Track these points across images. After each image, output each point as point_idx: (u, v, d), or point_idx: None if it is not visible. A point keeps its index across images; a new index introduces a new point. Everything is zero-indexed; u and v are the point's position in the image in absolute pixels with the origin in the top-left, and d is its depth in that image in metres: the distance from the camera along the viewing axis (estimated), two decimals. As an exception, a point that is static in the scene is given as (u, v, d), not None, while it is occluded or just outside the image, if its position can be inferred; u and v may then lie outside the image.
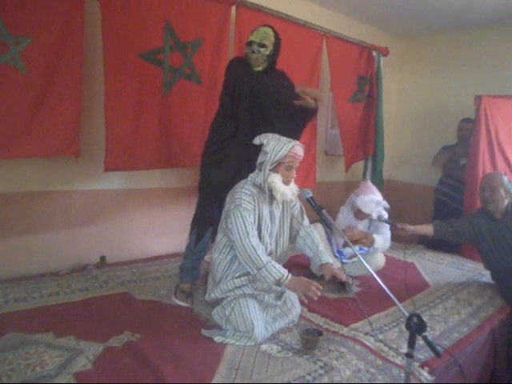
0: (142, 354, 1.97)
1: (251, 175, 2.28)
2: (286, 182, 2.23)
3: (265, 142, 2.20)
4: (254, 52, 2.49)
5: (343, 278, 2.24)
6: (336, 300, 2.77)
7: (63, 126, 2.54)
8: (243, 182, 2.29)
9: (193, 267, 2.64)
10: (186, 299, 2.56)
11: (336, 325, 2.40)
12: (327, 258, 2.36)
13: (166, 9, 2.83)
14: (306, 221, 2.47)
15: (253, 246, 2.10)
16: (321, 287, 2.06)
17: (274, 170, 2.20)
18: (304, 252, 2.45)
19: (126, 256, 3.18)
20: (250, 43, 2.51)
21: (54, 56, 2.45)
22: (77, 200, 2.95)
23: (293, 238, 2.45)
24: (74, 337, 2.07)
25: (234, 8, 3.21)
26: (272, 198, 2.28)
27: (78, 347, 1.99)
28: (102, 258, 3.10)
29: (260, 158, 2.24)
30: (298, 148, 2.20)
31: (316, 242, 2.39)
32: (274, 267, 2.09)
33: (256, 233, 2.17)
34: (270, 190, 2.22)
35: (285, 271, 2.10)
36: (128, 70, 2.73)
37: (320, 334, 2.16)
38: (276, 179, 2.18)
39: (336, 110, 4.23)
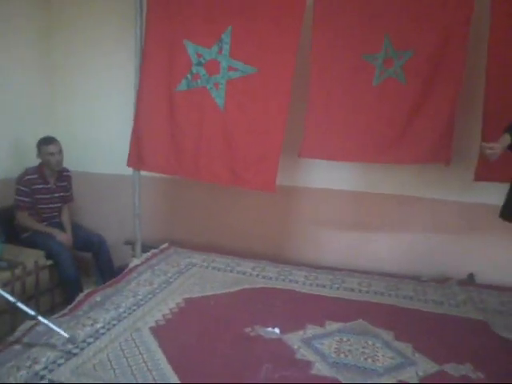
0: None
1: None
2: None
3: None
4: None
5: None
6: None
7: (436, 133, 2.52)
8: None
9: None
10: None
11: None
12: None
13: None
14: None
15: None
16: None
17: None
18: None
19: (500, 280, 2.79)
20: None
21: (433, 65, 2.45)
22: (444, 209, 2.88)
23: None
24: (412, 346, 2.03)
25: None
26: None
27: (412, 357, 1.95)
28: (470, 276, 2.86)
29: None
30: None
31: None
32: None
33: None
34: None
35: None
36: None
37: None
38: None
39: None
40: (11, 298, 1.99)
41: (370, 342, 2.06)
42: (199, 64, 2.72)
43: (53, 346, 1.86)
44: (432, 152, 2.56)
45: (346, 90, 2.58)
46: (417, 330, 2.18)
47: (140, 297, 2.39)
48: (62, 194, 3.16)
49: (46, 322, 1.92)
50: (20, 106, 3.25)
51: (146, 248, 3.08)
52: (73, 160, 3.26)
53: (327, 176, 3.06)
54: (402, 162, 2.70)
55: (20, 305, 1.97)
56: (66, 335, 1.88)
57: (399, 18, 2.46)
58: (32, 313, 1.94)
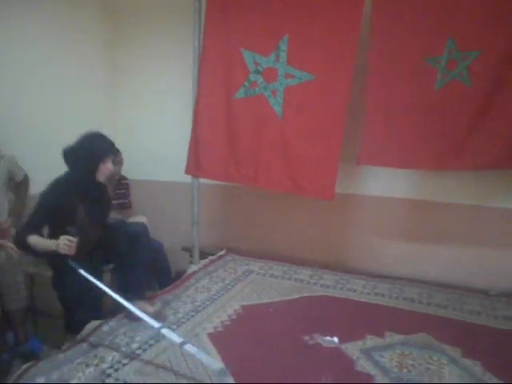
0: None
1: None
2: None
3: None
4: None
5: None
6: None
7: (505, 136, 2.35)
8: None
9: None
10: None
11: None
12: None
13: None
14: None
15: None
16: None
17: None
18: None
19: None
20: None
21: (503, 64, 2.30)
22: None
23: None
24: (481, 364, 1.90)
25: None
26: None
27: (481, 377, 1.82)
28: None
29: None
30: None
31: None
32: None
33: None
34: None
35: None
36: None
37: None
38: None
39: None
40: (156, 325, 1.89)
41: (434, 358, 1.95)
42: (257, 72, 2.74)
43: (118, 346, 1.93)
44: (502, 157, 2.39)
45: (406, 94, 2.49)
46: (486, 348, 2.04)
47: (198, 303, 2.43)
48: (120, 201, 3.27)
49: (195, 350, 1.76)
50: (86, 117, 3.40)
51: (203, 254, 3.13)
52: (132, 168, 3.39)
53: (386, 184, 2.97)
54: (466, 168, 2.55)
55: (165, 331, 1.87)
56: (216, 366, 1.73)
57: (463, 18, 2.34)
58: (179, 340, 1.81)
